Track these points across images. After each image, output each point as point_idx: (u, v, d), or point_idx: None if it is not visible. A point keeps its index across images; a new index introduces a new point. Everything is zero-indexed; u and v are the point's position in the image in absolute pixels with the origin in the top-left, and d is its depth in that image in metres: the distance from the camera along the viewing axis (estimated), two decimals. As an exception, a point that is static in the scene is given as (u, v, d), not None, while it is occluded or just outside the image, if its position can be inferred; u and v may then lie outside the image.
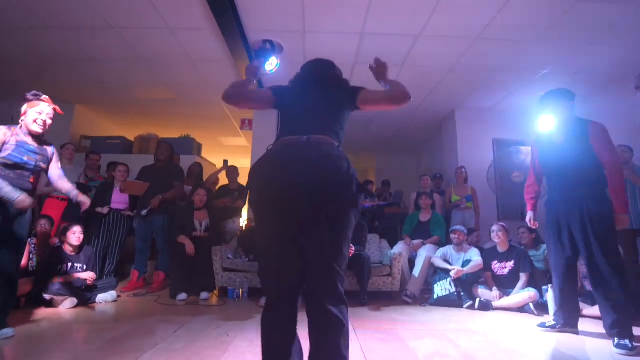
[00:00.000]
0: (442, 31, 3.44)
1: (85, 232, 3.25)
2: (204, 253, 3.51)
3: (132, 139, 5.66)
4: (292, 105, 1.45)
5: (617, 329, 2.07)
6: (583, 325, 2.52)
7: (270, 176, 1.19)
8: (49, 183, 3.71)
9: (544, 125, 2.53)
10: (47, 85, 4.81)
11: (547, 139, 2.49)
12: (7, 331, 2.02)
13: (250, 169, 1.27)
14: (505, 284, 3.31)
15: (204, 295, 3.35)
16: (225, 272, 3.54)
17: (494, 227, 3.47)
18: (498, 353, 1.95)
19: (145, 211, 3.69)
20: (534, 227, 2.67)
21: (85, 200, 2.45)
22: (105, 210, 3.77)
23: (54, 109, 2.25)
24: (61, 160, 3.93)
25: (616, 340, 2.04)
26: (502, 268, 3.37)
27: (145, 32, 3.56)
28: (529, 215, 2.63)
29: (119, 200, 3.89)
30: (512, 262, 3.32)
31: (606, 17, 3.15)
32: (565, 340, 2.26)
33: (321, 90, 1.46)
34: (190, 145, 5.57)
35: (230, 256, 3.72)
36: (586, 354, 1.99)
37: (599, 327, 2.36)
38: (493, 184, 5.19)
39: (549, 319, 2.52)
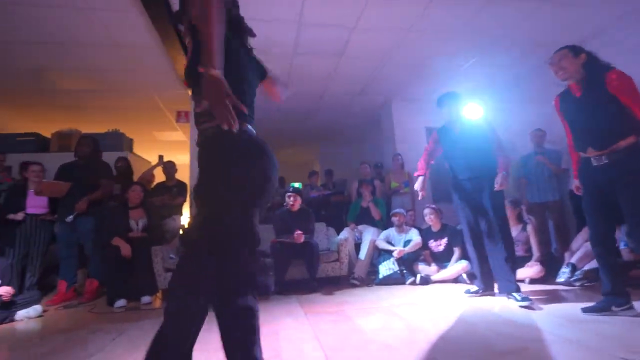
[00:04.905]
0: (375, 23, 3.56)
1: (-4, 242, 2.85)
2: (143, 254, 3.28)
3: (48, 135, 5.04)
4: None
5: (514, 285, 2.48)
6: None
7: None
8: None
9: (469, 113, 2.91)
10: None
11: (447, 134, 2.88)
12: None
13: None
14: (442, 259, 3.60)
15: (145, 299, 3.14)
16: (168, 273, 3.34)
17: (426, 211, 3.75)
18: (437, 320, 2.13)
19: (71, 217, 3.34)
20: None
21: None
22: (19, 216, 3.33)
23: None
24: (-42, 162, 3.40)
25: (517, 296, 2.41)
26: (438, 245, 3.66)
27: (56, 11, 3.16)
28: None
29: (35, 204, 3.46)
30: (446, 239, 3.63)
31: (509, 18, 3.55)
32: (488, 302, 2.55)
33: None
34: (120, 141, 5.11)
35: (172, 256, 3.52)
36: (502, 309, 2.26)
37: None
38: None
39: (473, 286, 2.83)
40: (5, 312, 2.64)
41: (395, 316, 2.28)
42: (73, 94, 4.91)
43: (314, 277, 3.38)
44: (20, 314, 2.71)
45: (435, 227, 3.71)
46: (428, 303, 2.64)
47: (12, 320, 2.65)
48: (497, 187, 2.51)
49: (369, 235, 3.90)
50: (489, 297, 2.66)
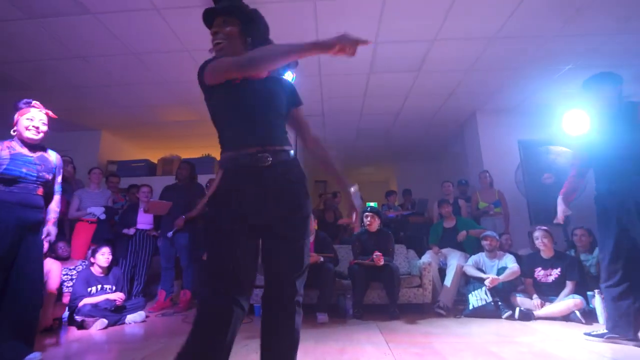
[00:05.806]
0: (457, 33, 3.37)
1: (113, 253, 3.30)
2: (229, 270, 3.48)
3: (155, 161, 5.82)
4: None
5: None
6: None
7: None
8: (80, 207, 3.88)
9: (572, 121, 2.42)
10: (77, 113, 5.06)
11: (595, 129, 2.32)
12: (34, 355, 1.96)
13: None
14: (548, 291, 3.09)
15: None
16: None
17: (537, 233, 3.24)
18: (547, 366, 1.80)
19: (171, 233, 3.73)
20: (560, 221, 2.46)
21: (50, 231, 2.17)
22: (131, 231, 3.84)
23: (47, 114, 2.11)
24: (89, 184, 4.09)
25: None
26: (547, 275, 3.14)
27: (164, 56, 3.68)
28: (560, 202, 2.42)
29: (143, 220, 3.95)
30: (559, 269, 3.09)
31: (622, 9, 3.03)
32: (619, 350, 2.05)
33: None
34: (212, 164, 5.64)
35: (255, 272, 3.67)
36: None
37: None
38: (522, 187, 4.97)
39: (598, 327, 2.31)
40: (117, 316, 3.01)
41: (491, 355, 1.98)
42: (174, 125, 5.64)
43: (395, 302, 3.18)
44: (129, 317, 3.06)
45: (547, 254, 3.18)
46: (531, 343, 2.26)
47: (123, 323, 3.01)
48: None
49: (455, 260, 3.57)
50: (621, 345, 2.13)
